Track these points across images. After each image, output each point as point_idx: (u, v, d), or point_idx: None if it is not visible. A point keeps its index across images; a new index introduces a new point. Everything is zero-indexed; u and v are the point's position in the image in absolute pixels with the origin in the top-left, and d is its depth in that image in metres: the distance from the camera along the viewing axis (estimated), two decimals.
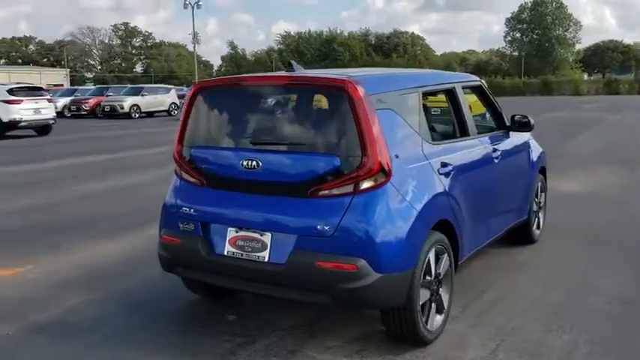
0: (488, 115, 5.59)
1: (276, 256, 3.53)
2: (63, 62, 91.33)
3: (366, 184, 3.41)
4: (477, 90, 5.26)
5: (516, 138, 5.41)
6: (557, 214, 7.27)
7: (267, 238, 3.59)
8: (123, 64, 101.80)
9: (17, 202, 8.66)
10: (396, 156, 3.53)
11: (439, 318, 3.85)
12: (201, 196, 3.88)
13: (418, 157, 3.75)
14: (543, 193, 6.11)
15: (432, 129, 4.38)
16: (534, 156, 5.73)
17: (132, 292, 4.78)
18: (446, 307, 3.91)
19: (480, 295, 4.60)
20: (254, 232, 3.63)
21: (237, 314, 4.28)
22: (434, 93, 4.58)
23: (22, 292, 4.83)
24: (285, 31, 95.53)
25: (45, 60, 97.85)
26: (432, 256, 3.68)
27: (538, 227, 6.04)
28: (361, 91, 3.43)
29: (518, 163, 5.40)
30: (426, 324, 3.68)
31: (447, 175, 3.94)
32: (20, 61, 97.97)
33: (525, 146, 5.56)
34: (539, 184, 5.95)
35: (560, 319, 4.12)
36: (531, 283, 4.89)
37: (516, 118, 5.29)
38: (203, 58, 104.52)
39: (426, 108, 4.51)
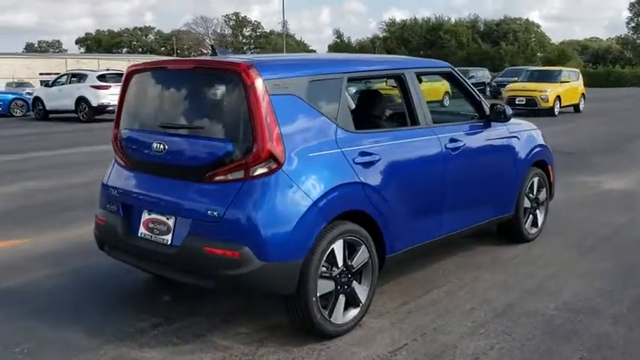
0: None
1: (177, 240, 3.56)
2: (179, 51, 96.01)
3: (258, 171, 3.35)
4: (447, 77, 4.95)
5: (500, 129, 5.05)
6: (583, 212, 6.78)
7: (171, 221, 3.62)
8: None
9: (63, 180, 9.28)
10: (295, 143, 3.43)
11: (353, 312, 3.72)
12: (124, 178, 3.99)
13: (327, 144, 3.60)
14: (544, 189, 5.67)
15: (363, 116, 4.19)
16: (524, 149, 5.28)
17: (97, 269, 4.89)
18: (363, 302, 3.76)
19: (427, 293, 4.37)
20: (161, 215, 3.68)
21: (175, 296, 4.36)
22: (367, 79, 4.37)
23: (2, 263, 5.18)
24: (390, 19, 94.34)
25: (162, 49, 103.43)
26: (337, 247, 3.54)
27: (535, 225, 5.63)
28: (254, 75, 3.36)
29: (495, 156, 5.01)
30: (329, 317, 3.57)
31: (367, 164, 3.76)
32: (140, 49, 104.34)
33: (509, 138, 5.13)
34: (537, 179, 5.52)
35: (494, 323, 3.84)
36: (494, 283, 4.57)
37: (496, 107, 4.95)
38: (311, 47, 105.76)
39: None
